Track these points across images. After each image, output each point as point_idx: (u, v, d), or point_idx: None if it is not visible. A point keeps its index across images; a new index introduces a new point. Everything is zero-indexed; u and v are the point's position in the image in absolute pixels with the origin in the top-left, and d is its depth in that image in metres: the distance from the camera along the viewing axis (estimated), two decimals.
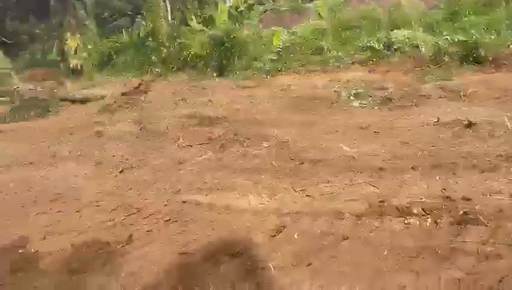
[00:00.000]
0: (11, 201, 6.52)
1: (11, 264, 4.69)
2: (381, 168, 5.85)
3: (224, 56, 15.42)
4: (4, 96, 15.23)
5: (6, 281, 4.39)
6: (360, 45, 13.41)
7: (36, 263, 4.69)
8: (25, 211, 6.05)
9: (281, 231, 4.57)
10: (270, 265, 4.00)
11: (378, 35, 13.43)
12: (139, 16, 22.75)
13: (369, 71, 11.84)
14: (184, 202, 5.61)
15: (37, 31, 23.99)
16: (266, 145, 7.25)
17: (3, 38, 20.78)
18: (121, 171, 7.16)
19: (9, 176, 7.61)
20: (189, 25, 19.06)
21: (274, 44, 14.87)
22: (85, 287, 4.09)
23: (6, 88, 15.70)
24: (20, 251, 4.97)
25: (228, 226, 4.85)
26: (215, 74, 15.29)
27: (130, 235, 4.92)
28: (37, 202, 6.33)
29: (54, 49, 22.86)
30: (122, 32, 21.68)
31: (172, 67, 17.11)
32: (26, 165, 8.09)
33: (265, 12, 18.37)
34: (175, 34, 18.03)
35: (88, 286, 4.10)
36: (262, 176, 6.03)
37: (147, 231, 5.02)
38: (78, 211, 5.79)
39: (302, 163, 6.41)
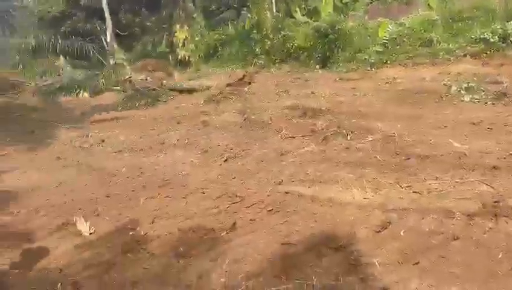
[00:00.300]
0: (123, 185, 6.87)
1: (123, 245, 4.92)
2: (495, 167, 5.50)
3: (328, 48, 15.26)
4: (118, 86, 16.08)
5: (118, 260, 4.61)
6: (472, 36, 12.69)
7: (145, 245, 4.88)
8: (136, 195, 6.34)
9: (386, 227, 4.43)
10: (375, 261, 3.88)
11: (492, 26, 12.62)
12: (244, 9, 23.07)
13: (482, 64, 11.21)
14: (286, 193, 5.60)
15: (148, 24, 25.03)
16: (371, 139, 7.06)
17: (117, 31, 21.86)
18: (225, 160, 7.30)
19: (121, 161, 8.03)
20: (293, 17, 19.04)
21: (380, 36, 14.45)
22: (191, 271, 4.20)
23: (120, 78, 16.52)
24: (131, 233, 5.20)
25: (331, 219, 4.78)
26: (317, 66, 15.18)
27: (234, 223, 5.00)
28: (147, 187, 6.62)
29: (164, 41, 23.74)
30: (228, 25, 22.10)
31: (276, 59, 17.19)
32: (137, 151, 8.49)
33: (371, 3, 17.92)
34: (279, 26, 18.07)
35: (194, 270, 4.20)
36: (366, 170, 5.88)
37: (250, 220, 5.07)
38: (184, 197, 5.97)
39: (409, 158, 6.18)
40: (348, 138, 7.31)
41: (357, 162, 6.20)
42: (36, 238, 5.37)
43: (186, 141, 8.58)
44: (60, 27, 21.50)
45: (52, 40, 16.17)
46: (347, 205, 5.03)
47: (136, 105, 13.74)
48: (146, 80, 16.35)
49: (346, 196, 5.24)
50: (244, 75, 14.04)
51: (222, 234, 4.84)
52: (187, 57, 21.19)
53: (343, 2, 18.49)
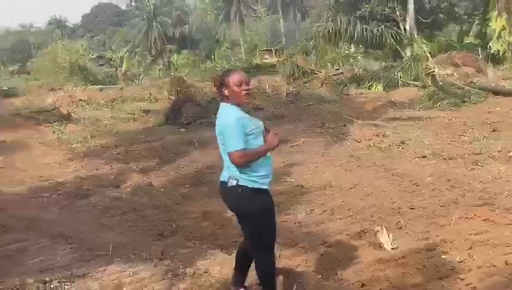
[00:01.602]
0: (429, 197, 6.76)
1: (433, 269, 4.74)
2: None
3: None
4: (417, 81, 16.04)
5: (430, 287, 4.44)
6: None
7: (463, 274, 4.61)
8: (446, 211, 6.14)
9: None
10: None
11: None
12: None
13: None
14: None
15: (457, 10, 24.45)
16: None
17: (419, 17, 21.89)
18: None
19: (426, 169, 7.98)
20: None
21: None
22: None
23: (420, 72, 16.41)
24: (443, 257, 4.99)
25: None
26: None
27: None
28: (459, 203, 6.36)
29: (473, 30, 23.02)
30: None
31: None
32: (445, 159, 8.30)
33: None
34: None
35: None
36: None
37: None
38: (511, 224, 5.51)
39: None
40: None
41: None
42: (333, 243, 5.55)
43: (511, 154, 8.04)
44: (357, 11, 22.31)
45: (348, 25, 16.85)
46: None
47: (439, 104, 13.53)
48: (452, 76, 15.97)
49: None
50: None
51: None
52: (502, 52, 20.14)
53: None
